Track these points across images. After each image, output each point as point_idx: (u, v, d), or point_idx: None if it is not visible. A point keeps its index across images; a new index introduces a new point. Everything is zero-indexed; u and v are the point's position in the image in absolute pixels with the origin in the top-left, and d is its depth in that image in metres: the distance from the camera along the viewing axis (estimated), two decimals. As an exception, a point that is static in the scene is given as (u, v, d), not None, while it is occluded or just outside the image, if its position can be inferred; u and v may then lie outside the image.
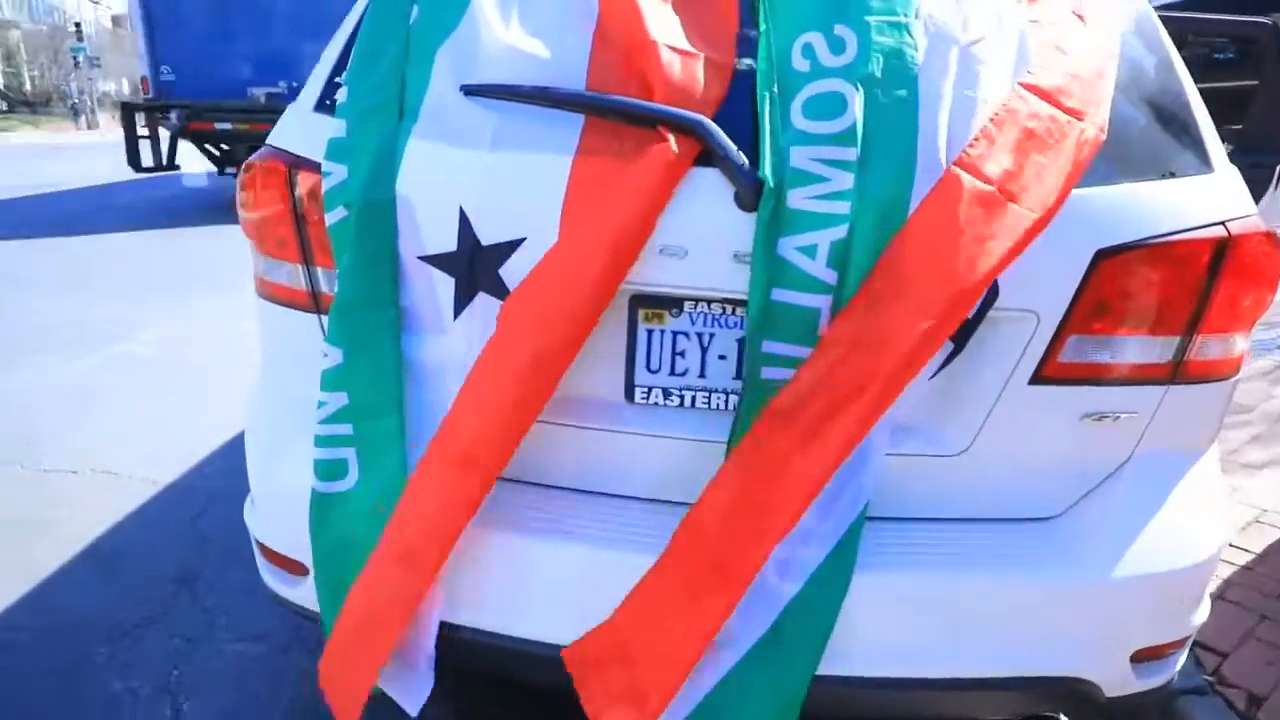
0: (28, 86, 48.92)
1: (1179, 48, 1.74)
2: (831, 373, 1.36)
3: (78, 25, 42.73)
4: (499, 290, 1.51)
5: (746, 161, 1.38)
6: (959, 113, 1.40)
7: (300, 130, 1.72)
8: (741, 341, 1.53)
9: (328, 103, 1.68)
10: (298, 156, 1.66)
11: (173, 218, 10.78)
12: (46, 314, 5.99)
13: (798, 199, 1.38)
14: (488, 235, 1.49)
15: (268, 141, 1.75)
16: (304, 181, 1.64)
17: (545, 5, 1.57)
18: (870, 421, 1.37)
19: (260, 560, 1.84)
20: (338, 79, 1.67)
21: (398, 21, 1.64)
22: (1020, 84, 1.45)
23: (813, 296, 1.39)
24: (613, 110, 1.45)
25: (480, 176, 1.48)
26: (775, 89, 1.44)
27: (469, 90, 1.52)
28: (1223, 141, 1.64)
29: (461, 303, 1.54)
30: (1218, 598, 2.63)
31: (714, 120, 1.43)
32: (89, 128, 38.21)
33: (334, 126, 1.59)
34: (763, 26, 1.50)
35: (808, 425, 1.37)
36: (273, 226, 1.70)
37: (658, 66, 1.45)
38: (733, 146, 1.38)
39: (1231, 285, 1.49)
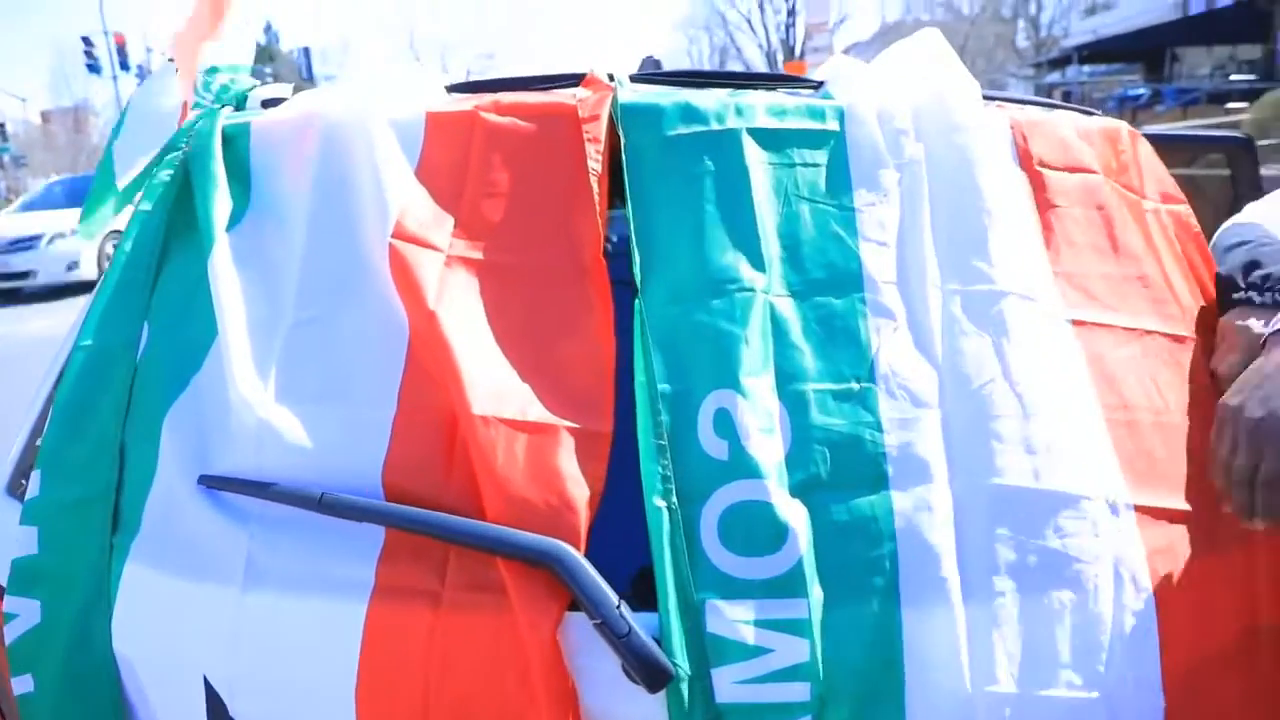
0: (-47, 189, 47.62)
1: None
2: None
3: (1, 125, 41.74)
4: (279, 793, 0.96)
5: (634, 626, 0.85)
6: (966, 522, 0.90)
7: None
8: None
9: (20, 485, 1.13)
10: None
11: None
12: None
13: (726, 684, 0.86)
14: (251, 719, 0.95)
15: None
16: (-12, 611, 1.08)
17: (326, 346, 1.05)
18: None
19: None
20: (37, 442, 1.12)
21: (120, 352, 1.10)
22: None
23: None
24: (424, 529, 0.92)
25: (229, 630, 0.94)
26: (673, 495, 0.92)
27: (209, 483, 0.99)
28: None
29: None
30: None
31: (587, 536, 0.91)
32: (17, 229, 37.12)
33: (21, 537, 1.05)
34: (643, 376, 0.98)
35: None
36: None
37: (490, 455, 0.93)
38: (610, 600, 0.86)
39: None
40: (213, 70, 1.27)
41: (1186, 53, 25.93)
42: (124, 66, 28.67)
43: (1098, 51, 29.50)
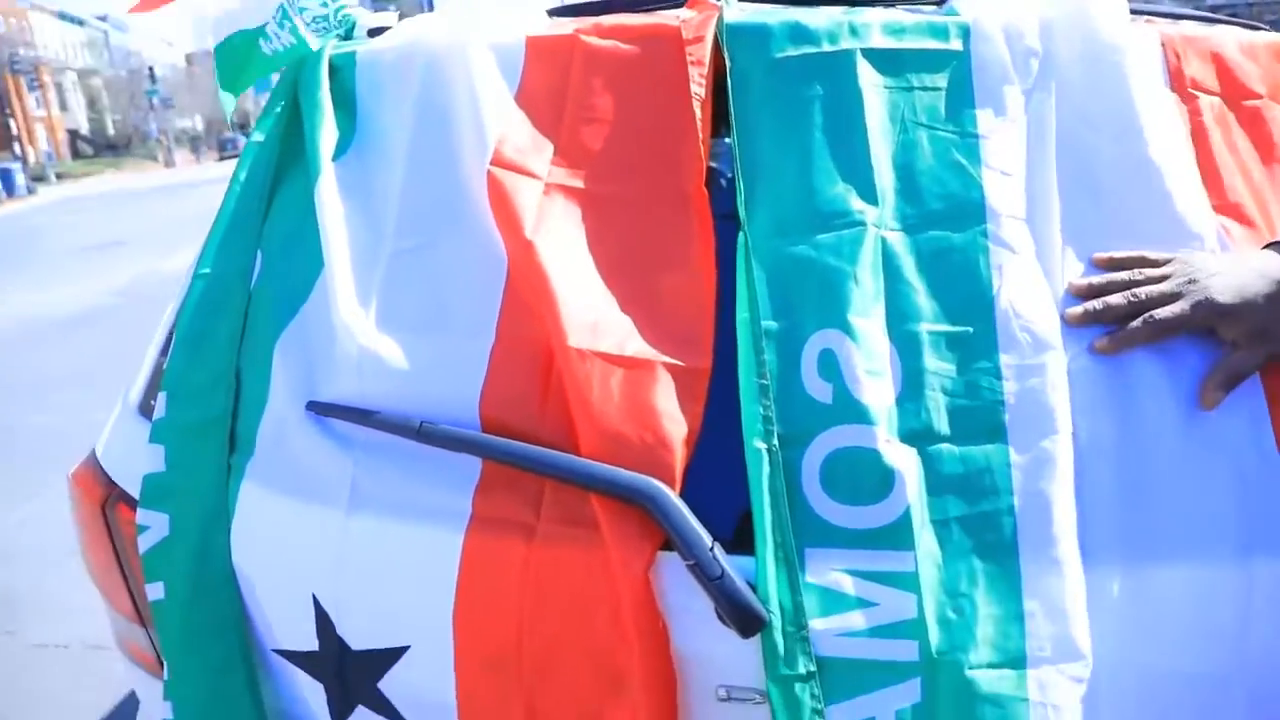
0: (110, 131, 50.94)
1: None
2: None
3: (150, 69, 44.17)
4: (384, 707, 1.00)
5: (728, 569, 0.83)
6: (1090, 482, 0.83)
7: (122, 441, 1.24)
8: None
9: (150, 404, 1.20)
10: (114, 483, 1.19)
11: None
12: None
13: (827, 637, 0.83)
14: (356, 638, 0.99)
15: (95, 447, 1.28)
16: (124, 520, 1.16)
17: (426, 275, 1.05)
18: None
19: None
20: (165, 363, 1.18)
21: (235, 281, 1.14)
22: None
23: None
24: (519, 462, 0.92)
25: (336, 552, 0.97)
26: (775, 437, 0.88)
27: (317, 410, 1.02)
28: None
29: (341, 714, 1.04)
30: None
31: (685, 473, 0.88)
32: (166, 165, 39.48)
33: (150, 454, 1.11)
34: (748, 313, 0.94)
35: None
36: (102, 572, 1.23)
37: (586, 389, 0.91)
38: (704, 541, 0.84)
39: None
40: None
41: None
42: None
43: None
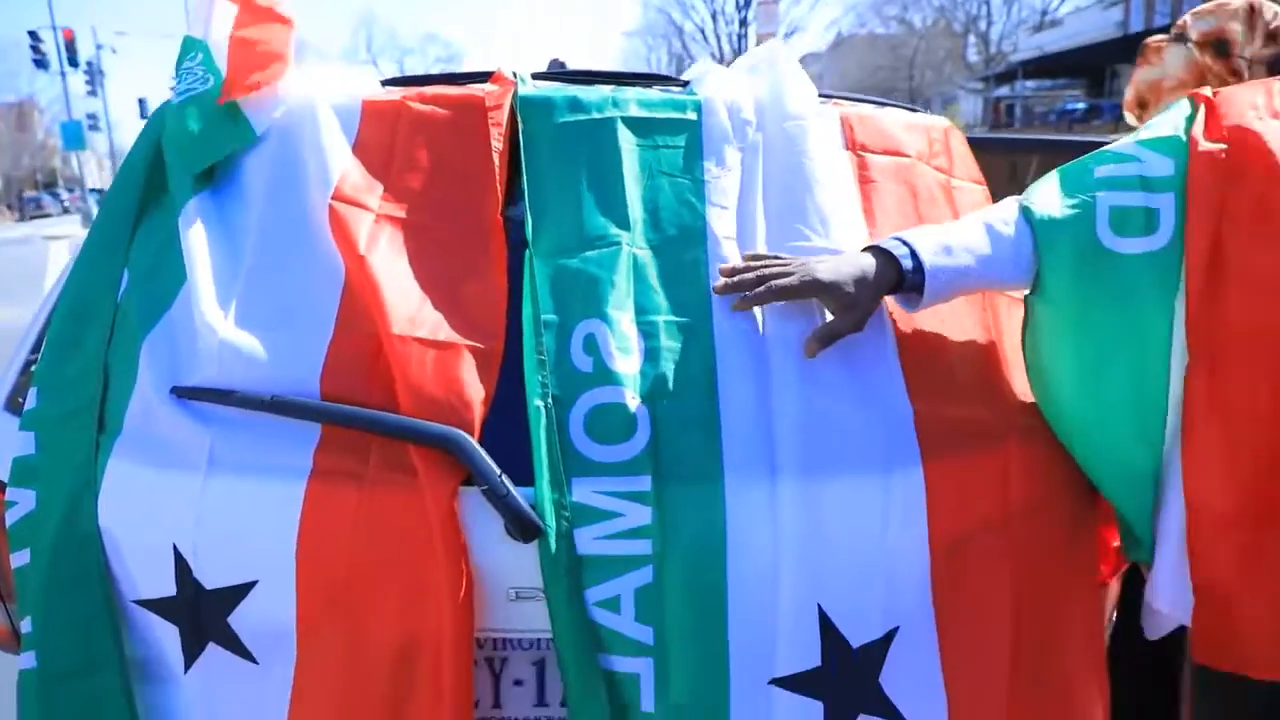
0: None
1: None
2: None
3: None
4: (231, 642, 1.20)
5: (512, 491, 1.12)
6: (777, 418, 1.18)
7: None
8: (541, 665, 1.26)
9: (18, 401, 1.36)
10: (-21, 471, 1.34)
11: None
12: None
13: (586, 540, 1.13)
14: (211, 578, 1.19)
15: None
16: (-10, 503, 1.31)
17: (276, 284, 1.30)
18: None
19: None
20: (33, 365, 1.35)
21: (103, 293, 1.34)
22: None
23: (627, 659, 1.13)
24: (351, 422, 1.18)
25: (195, 508, 1.18)
26: (550, 397, 1.18)
27: (180, 394, 1.23)
28: None
29: (192, 654, 1.23)
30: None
31: (482, 426, 1.17)
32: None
33: (20, 440, 1.28)
34: (531, 308, 1.25)
35: None
36: (-40, 552, 1.36)
37: (404, 367, 1.18)
38: (495, 472, 1.12)
39: None
40: (191, 50, 1.49)
41: (1125, 69, 26.95)
42: (72, 63, 28.05)
43: (1043, 67, 30.45)
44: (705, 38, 33.05)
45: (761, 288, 1.20)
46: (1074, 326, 1.20)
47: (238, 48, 1.44)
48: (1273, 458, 1.14)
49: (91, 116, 33.26)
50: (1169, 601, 1.26)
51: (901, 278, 1.20)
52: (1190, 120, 1.22)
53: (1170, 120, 1.23)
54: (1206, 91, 1.25)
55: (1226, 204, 1.14)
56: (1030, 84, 33.08)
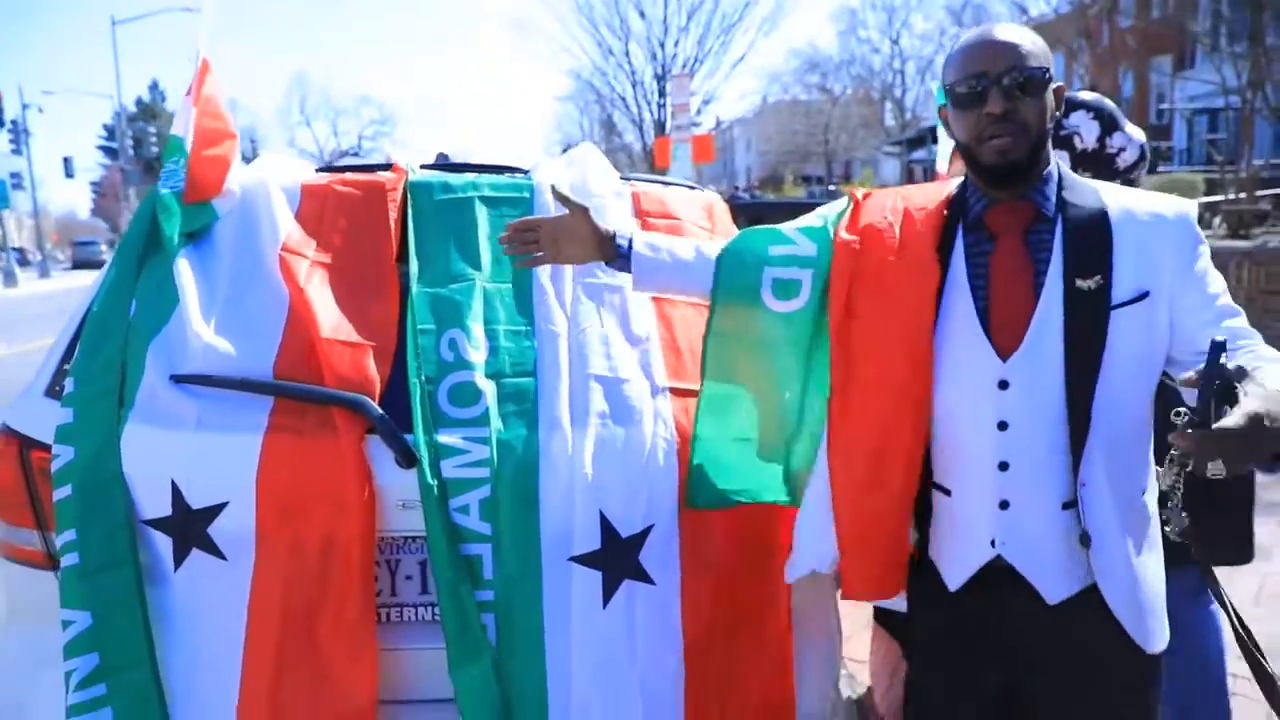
0: None
1: None
2: None
3: None
4: (209, 546, 1.80)
5: (397, 434, 1.76)
6: (575, 390, 1.86)
7: (31, 414, 1.97)
8: (424, 564, 1.88)
9: (56, 389, 1.95)
10: (28, 437, 1.91)
11: None
12: None
13: (448, 468, 1.77)
14: (196, 500, 1.79)
15: (3, 420, 1.99)
16: (36, 458, 1.88)
17: (242, 306, 1.93)
18: None
19: None
20: (65, 366, 1.95)
21: (119, 315, 1.95)
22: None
23: (475, 545, 1.77)
24: (294, 394, 1.81)
25: (187, 453, 1.79)
26: (424, 377, 1.84)
27: (177, 379, 1.84)
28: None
29: (180, 557, 1.82)
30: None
31: (381, 397, 1.81)
32: None
33: (61, 414, 1.87)
34: (413, 321, 1.91)
35: None
36: (9, 497, 1.93)
37: (329, 358, 1.83)
38: (389, 422, 1.76)
39: None
40: (174, 152, 2.12)
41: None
42: (-1, 122, 28.01)
43: (949, 132, 32.08)
44: (627, 105, 34.62)
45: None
46: (739, 349, 1.77)
47: (197, 163, 2.07)
48: (879, 448, 1.59)
49: (15, 175, 33.03)
50: (815, 557, 1.73)
51: (615, 253, 1.74)
52: (840, 215, 1.71)
53: (822, 213, 1.81)
54: (859, 194, 1.86)
55: (856, 276, 1.61)
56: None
